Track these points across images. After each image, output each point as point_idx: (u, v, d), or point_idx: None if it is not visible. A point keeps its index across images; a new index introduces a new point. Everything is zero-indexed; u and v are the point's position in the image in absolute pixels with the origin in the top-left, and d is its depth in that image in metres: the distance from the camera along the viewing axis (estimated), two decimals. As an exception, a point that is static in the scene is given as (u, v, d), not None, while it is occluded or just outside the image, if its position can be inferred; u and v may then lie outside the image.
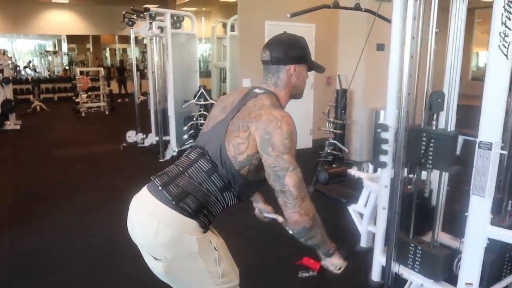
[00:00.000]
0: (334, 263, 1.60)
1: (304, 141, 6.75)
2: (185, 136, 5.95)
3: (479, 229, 2.05)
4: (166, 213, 1.40)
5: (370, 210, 3.13)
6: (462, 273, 2.15)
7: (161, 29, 5.81)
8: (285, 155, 1.36)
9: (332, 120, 5.31)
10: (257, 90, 1.54)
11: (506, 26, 1.86)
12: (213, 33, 7.04)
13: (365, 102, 5.30)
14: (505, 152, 1.98)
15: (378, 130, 2.55)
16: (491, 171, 1.97)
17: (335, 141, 5.30)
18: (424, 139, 2.28)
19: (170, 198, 1.40)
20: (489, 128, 1.96)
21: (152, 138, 6.74)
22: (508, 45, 1.87)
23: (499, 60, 1.90)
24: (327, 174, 3.07)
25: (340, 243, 3.09)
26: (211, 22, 11.14)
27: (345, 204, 3.36)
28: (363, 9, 3.22)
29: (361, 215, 3.25)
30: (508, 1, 1.85)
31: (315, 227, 1.41)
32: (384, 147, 2.53)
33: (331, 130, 5.33)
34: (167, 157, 6.03)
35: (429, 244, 2.37)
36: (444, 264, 2.28)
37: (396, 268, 2.43)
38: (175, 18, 6.00)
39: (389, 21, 3.48)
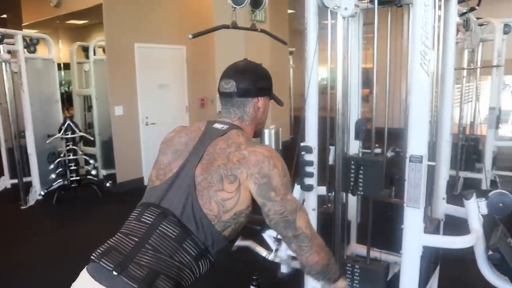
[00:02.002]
0: (340, 286, 1.39)
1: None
2: (52, 176, 5.15)
3: (416, 239, 2.12)
4: None
5: (289, 233, 3.05)
6: (402, 284, 2.20)
7: (11, 53, 4.96)
8: (288, 195, 1.18)
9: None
10: (218, 126, 1.29)
11: (425, 46, 1.99)
12: (72, 58, 6.32)
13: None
14: (433, 163, 2.08)
15: (302, 153, 2.49)
16: (423, 183, 2.06)
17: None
18: (353, 166, 2.31)
19: (136, 286, 1.03)
20: (418, 142, 2.05)
21: (5, 182, 5.67)
22: (428, 63, 2.00)
23: (421, 77, 2.01)
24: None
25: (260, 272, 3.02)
26: (63, 46, 10.07)
27: (259, 231, 3.22)
28: (259, 30, 3.18)
29: (278, 240, 3.16)
30: (425, 23, 1.98)
31: (330, 258, 1.28)
32: (309, 169, 2.49)
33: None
34: (31, 202, 5.12)
35: (365, 261, 2.38)
36: (384, 278, 2.31)
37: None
38: (28, 40, 5.19)
39: (284, 42, 3.54)
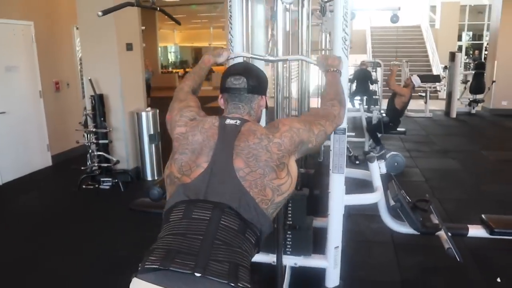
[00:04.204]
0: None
1: (42, 160, 5.79)
2: None
3: (340, 200, 2.46)
4: None
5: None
6: (330, 240, 2.53)
7: None
8: (315, 129, 1.39)
9: (93, 130, 4.80)
10: (232, 121, 1.33)
11: (345, 32, 2.27)
12: None
13: (125, 106, 5.03)
14: (353, 134, 2.42)
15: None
16: (345, 152, 2.39)
17: (101, 153, 4.84)
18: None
19: (226, 282, 1.02)
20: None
21: None
22: (348, 48, 2.30)
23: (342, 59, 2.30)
24: (161, 189, 2.85)
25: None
26: None
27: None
28: (158, 8, 3.08)
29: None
30: (345, 13, 2.26)
31: (340, 98, 1.59)
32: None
33: (94, 141, 4.82)
34: None
35: (295, 227, 2.63)
36: (312, 240, 2.61)
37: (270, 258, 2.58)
38: None
39: (178, 22, 3.50)
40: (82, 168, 4.91)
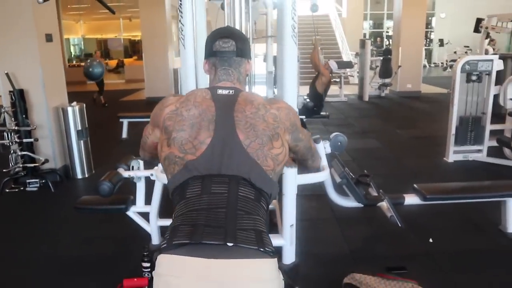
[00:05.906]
0: None
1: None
2: None
3: (293, 180, 2.60)
4: (267, 266, 1.11)
5: (157, 205, 3.10)
6: (285, 218, 2.67)
7: None
8: (304, 129, 1.45)
9: (15, 128, 4.43)
10: (224, 92, 1.33)
11: (294, 20, 2.39)
12: None
13: (49, 101, 4.70)
14: (303, 117, 2.57)
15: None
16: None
17: (25, 152, 4.49)
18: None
19: (256, 248, 1.09)
20: (291, 102, 2.49)
21: None
22: (296, 35, 2.42)
23: (291, 46, 2.42)
24: (110, 183, 2.78)
25: (130, 252, 2.97)
26: None
27: (122, 211, 3.13)
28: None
29: (143, 214, 3.16)
30: (293, 1, 2.37)
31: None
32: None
33: (16, 140, 4.46)
34: None
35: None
36: (269, 219, 2.73)
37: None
38: None
39: (112, 11, 3.38)
40: (4, 170, 4.53)
